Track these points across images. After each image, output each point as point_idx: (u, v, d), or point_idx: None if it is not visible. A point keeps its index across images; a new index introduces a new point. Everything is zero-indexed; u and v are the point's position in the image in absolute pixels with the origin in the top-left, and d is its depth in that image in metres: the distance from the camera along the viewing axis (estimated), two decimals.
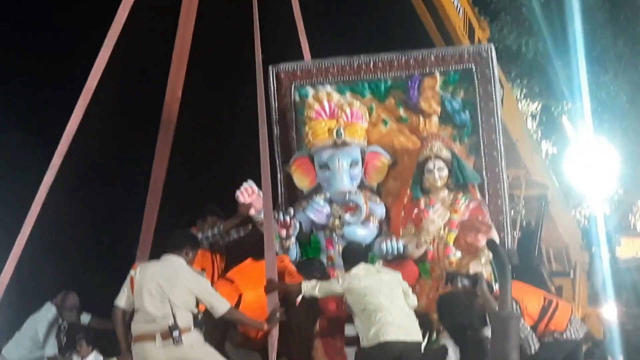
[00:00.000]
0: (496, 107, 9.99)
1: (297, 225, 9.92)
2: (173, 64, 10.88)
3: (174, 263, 8.27)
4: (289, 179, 10.47)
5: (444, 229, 9.71)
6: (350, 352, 8.94)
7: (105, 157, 16.68)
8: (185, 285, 8.13)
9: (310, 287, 8.77)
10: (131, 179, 13.34)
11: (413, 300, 8.64)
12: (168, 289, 8.09)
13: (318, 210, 10.00)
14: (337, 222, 9.90)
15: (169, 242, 8.42)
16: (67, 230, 15.62)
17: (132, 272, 8.33)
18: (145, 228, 10.32)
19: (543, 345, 8.46)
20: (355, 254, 8.92)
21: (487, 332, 7.45)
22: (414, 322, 8.45)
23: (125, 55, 10.75)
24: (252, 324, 8.62)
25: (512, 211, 12.94)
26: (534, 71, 19.37)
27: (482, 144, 9.97)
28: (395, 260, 9.57)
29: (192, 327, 8.09)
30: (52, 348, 10.43)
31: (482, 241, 9.40)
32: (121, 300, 8.32)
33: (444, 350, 7.34)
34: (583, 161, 15.39)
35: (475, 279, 7.71)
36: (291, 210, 9.91)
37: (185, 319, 8.04)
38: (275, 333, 8.59)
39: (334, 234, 9.98)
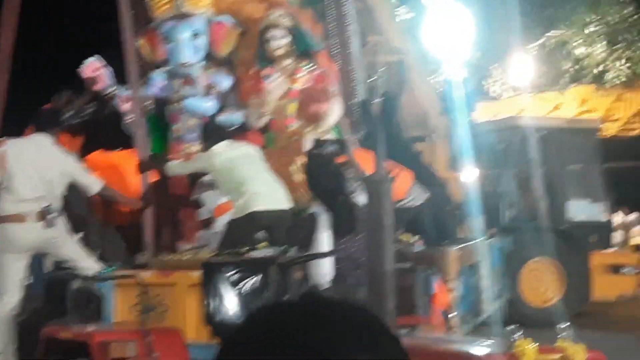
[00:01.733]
0: None
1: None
2: None
3: (44, 142, 8.02)
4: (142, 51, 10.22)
5: (285, 99, 9.63)
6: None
7: None
8: (59, 164, 7.92)
9: (176, 166, 8.83)
10: None
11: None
12: (43, 168, 7.86)
13: (154, 85, 9.86)
14: (176, 95, 9.74)
15: (35, 121, 8.16)
16: None
17: (1, 148, 8.02)
18: None
19: None
20: (215, 131, 8.88)
21: (358, 198, 7.45)
22: (281, 191, 8.47)
23: None
24: (126, 201, 8.55)
25: (371, 78, 12.91)
26: None
27: (330, 8, 9.85)
28: (239, 132, 9.55)
29: (60, 212, 7.94)
30: None
31: (324, 110, 9.38)
32: None
33: (314, 217, 7.31)
34: (439, 26, 15.36)
35: (343, 144, 7.64)
36: (129, 85, 9.78)
37: (57, 203, 7.86)
38: (149, 211, 8.60)
39: (177, 108, 9.85)
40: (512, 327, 5.00)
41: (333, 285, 6.99)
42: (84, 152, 9.86)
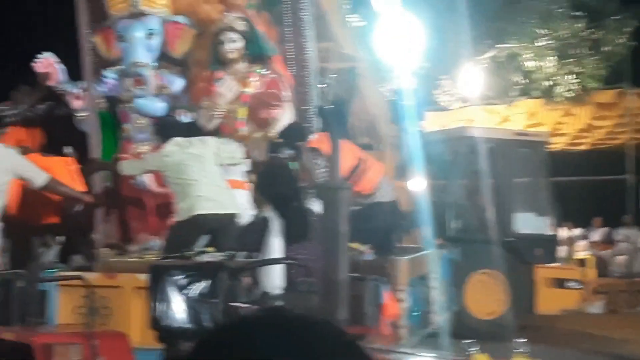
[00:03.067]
0: None
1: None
2: None
3: None
4: (98, 49, 10.12)
5: (235, 102, 9.57)
6: None
7: None
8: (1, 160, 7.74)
9: (128, 165, 8.76)
10: None
11: (235, 153, 8.64)
12: None
13: (106, 83, 9.78)
14: (126, 95, 9.65)
15: None
16: None
17: None
18: None
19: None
20: (166, 129, 8.83)
21: (312, 204, 7.39)
22: (228, 195, 8.42)
23: None
24: (74, 195, 8.44)
25: (323, 84, 12.88)
26: None
27: (286, 13, 9.81)
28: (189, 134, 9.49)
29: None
30: None
31: (274, 115, 9.35)
32: None
33: (265, 222, 7.22)
34: (390, 34, 15.37)
35: (299, 148, 7.56)
36: (82, 83, 9.66)
37: None
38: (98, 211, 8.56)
39: (128, 107, 9.77)
40: (469, 341, 4.94)
41: (284, 292, 6.89)
42: (40, 148, 9.74)
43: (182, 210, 8.44)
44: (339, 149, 6.38)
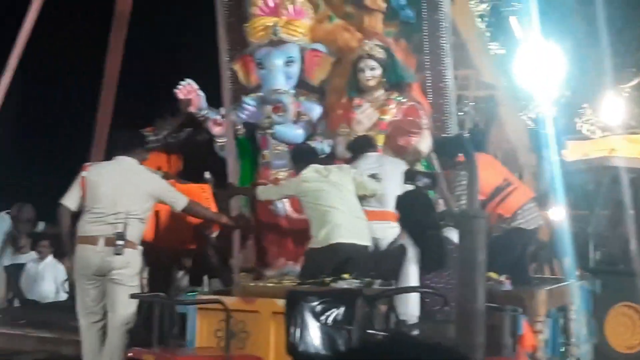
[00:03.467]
0: (441, 3, 9.75)
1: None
2: None
3: (127, 164, 8.04)
4: (237, 76, 10.31)
5: (373, 130, 9.57)
6: None
7: (60, 60, 16.24)
8: (141, 186, 7.93)
9: (266, 191, 8.87)
10: (85, 78, 13.05)
11: (372, 186, 8.63)
12: (122, 191, 7.86)
13: (246, 109, 9.92)
14: (266, 121, 9.77)
15: (119, 143, 8.21)
16: (23, 137, 15.29)
17: (83, 173, 8.08)
18: (99, 128, 10.12)
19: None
20: (304, 156, 8.90)
21: (449, 232, 7.32)
22: (364, 225, 8.45)
23: None
24: (213, 217, 8.59)
25: (461, 112, 12.83)
26: None
27: (425, 41, 9.78)
28: (326, 161, 9.55)
29: (138, 245, 7.90)
30: (7, 258, 10.28)
31: (413, 143, 9.31)
32: (69, 201, 8.08)
33: (402, 250, 7.19)
34: (531, 63, 15.24)
35: (435, 177, 7.53)
36: (222, 109, 9.81)
37: (134, 232, 7.85)
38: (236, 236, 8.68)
39: (267, 133, 9.89)
40: None
41: (420, 321, 6.85)
42: (180, 174, 9.96)
43: (319, 238, 8.49)
44: (477, 178, 6.33)
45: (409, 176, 7.74)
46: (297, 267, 9.52)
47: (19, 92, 10.04)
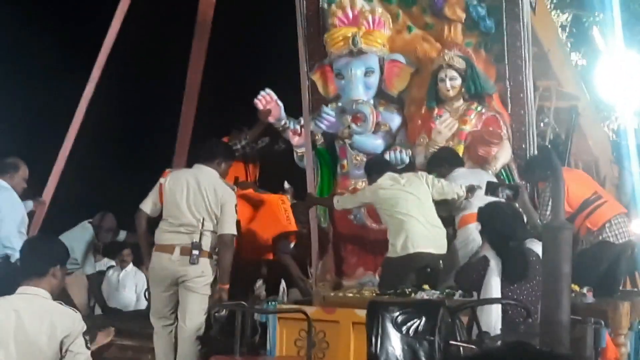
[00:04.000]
0: (522, 12, 9.71)
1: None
2: None
3: (206, 173, 8.10)
4: (316, 86, 10.34)
5: (453, 140, 9.53)
6: None
7: (142, 69, 16.42)
8: (215, 195, 7.97)
9: (343, 200, 8.89)
10: (167, 87, 13.19)
11: (452, 189, 8.60)
12: (198, 201, 7.92)
13: (326, 119, 9.97)
14: (346, 131, 9.80)
15: (202, 152, 8.28)
16: (106, 146, 15.48)
17: (161, 180, 8.17)
18: (181, 137, 10.28)
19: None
20: (378, 166, 8.91)
21: (531, 244, 7.27)
22: (441, 234, 8.44)
23: None
24: (225, 267, 8.25)
25: (542, 123, 12.70)
26: None
27: (506, 51, 9.73)
28: (406, 171, 9.59)
29: (212, 255, 7.93)
30: (91, 267, 10.42)
31: (492, 153, 9.29)
32: (146, 206, 8.19)
33: (485, 262, 7.15)
34: (613, 73, 15.05)
35: (517, 189, 7.47)
36: (301, 119, 9.81)
37: (209, 241, 7.90)
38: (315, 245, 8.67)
39: (346, 143, 9.91)
40: None
41: (503, 333, 6.80)
42: (256, 184, 10.01)
43: (397, 247, 8.48)
44: (562, 189, 6.27)
45: (492, 188, 7.70)
46: (376, 277, 9.53)
47: (101, 102, 10.21)
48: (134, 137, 16.36)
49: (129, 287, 12.03)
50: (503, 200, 7.64)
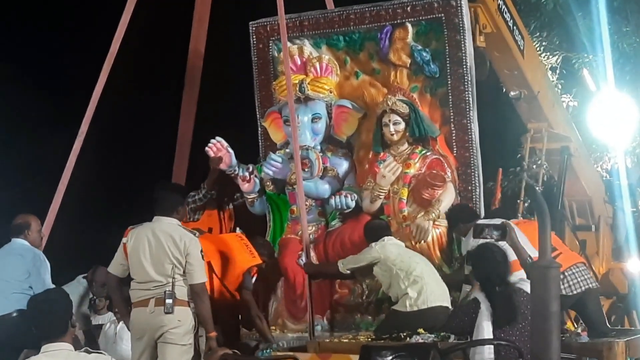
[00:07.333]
0: (465, 56, 9.84)
1: (257, 180, 10.24)
2: (195, 21, 11.35)
3: (166, 225, 8.04)
4: (267, 133, 10.52)
5: (398, 184, 9.62)
6: None
7: (131, 121, 16.53)
8: (177, 246, 7.90)
9: (346, 262, 8.97)
10: (158, 141, 13.26)
11: None
12: (162, 254, 7.87)
13: (272, 165, 10.08)
14: (293, 177, 9.89)
15: (157, 203, 8.21)
16: (96, 199, 15.53)
17: (124, 239, 8.12)
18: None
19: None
20: (378, 231, 8.99)
21: (522, 284, 7.31)
22: (445, 287, 8.56)
23: (147, 16, 10.78)
24: (205, 318, 8.12)
25: (534, 165, 12.79)
26: (553, 23, 18.95)
27: (450, 94, 9.87)
28: (352, 216, 9.99)
29: (188, 302, 7.90)
30: (85, 322, 10.42)
31: (434, 195, 9.38)
32: (115, 269, 8.17)
33: (476, 304, 7.21)
34: (604, 114, 15.14)
35: (504, 228, 7.49)
36: (250, 166, 10.09)
37: (183, 290, 7.86)
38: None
39: (294, 189, 9.99)
40: None
41: None
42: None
43: (412, 301, 8.56)
44: (548, 227, 6.32)
45: (478, 230, 7.72)
46: (324, 321, 9.76)
47: (89, 155, 10.33)
48: (124, 192, 16.41)
49: (126, 339, 11.98)
50: (492, 240, 7.64)
